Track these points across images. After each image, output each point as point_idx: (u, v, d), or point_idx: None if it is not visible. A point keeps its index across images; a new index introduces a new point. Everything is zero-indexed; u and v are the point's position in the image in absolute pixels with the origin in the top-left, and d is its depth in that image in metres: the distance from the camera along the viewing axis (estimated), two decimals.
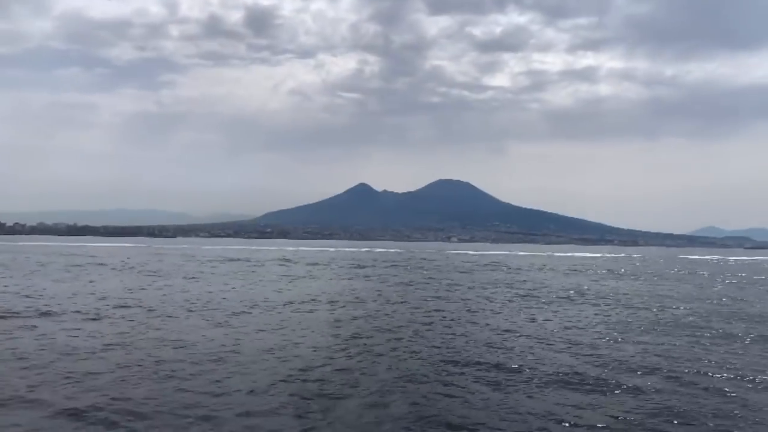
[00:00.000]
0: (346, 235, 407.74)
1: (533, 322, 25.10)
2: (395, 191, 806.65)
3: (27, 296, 31.32)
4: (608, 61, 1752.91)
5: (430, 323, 24.39)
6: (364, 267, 69.37)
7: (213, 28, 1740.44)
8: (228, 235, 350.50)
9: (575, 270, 71.24)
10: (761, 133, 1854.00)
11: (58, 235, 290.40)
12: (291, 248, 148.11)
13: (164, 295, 33.39)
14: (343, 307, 29.65)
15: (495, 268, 70.83)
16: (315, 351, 18.00)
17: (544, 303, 32.43)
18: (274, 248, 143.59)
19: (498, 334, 21.49)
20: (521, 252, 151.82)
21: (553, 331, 22.48)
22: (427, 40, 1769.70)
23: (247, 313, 26.34)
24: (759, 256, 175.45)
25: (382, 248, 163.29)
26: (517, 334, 21.63)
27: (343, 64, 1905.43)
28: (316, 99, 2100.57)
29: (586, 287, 44.15)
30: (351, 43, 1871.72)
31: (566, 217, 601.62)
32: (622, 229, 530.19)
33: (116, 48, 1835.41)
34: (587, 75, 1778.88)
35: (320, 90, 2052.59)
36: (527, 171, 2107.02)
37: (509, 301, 33.67)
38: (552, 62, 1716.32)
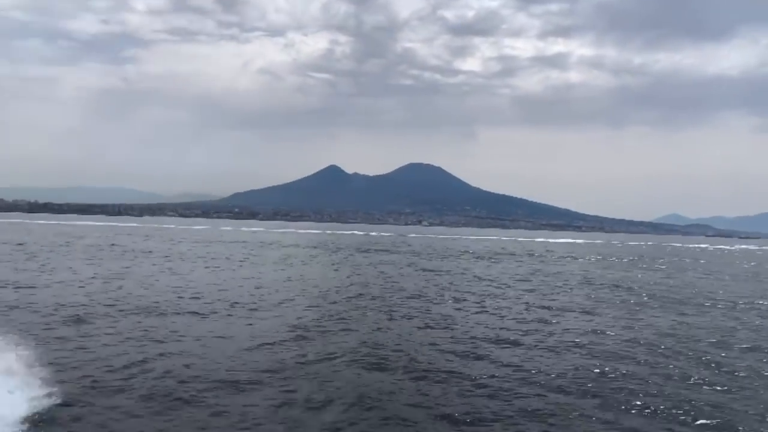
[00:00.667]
0: (318, 217, 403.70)
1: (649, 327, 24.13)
2: (366, 174, 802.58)
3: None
4: (578, 48, 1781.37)
5: (540, 331, 23.23)
6: (366, 251, 67.93)
7: (180, 2, 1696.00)
8: (197, 215, 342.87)
9: (586, 259, 71.29)
10: (723, 123, 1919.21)
11: (19, 212, 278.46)
12: (281, 230, 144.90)
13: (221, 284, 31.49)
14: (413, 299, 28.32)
15: (504, 257, 70.31)
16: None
17: (633, 304, 28.99)
18: (261, 230, 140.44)
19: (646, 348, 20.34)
20: (503, 237, 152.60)
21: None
22: (399, 21, 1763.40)
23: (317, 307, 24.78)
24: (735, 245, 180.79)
25: (362, 231, 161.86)
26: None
27: (314, 44, 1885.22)
28: (286, 78, 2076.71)
29: (637, 282, 43.31)
30: (322, 22, 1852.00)
31: (533, 203, 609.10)
32: (588, 215, 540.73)
33: (79, 21, 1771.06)
34: (557, 62, 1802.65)
35: (290, 69, 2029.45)
36: (496, 156, 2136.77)
37: (568, 294, 32.88)
38: (523, 48, 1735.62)
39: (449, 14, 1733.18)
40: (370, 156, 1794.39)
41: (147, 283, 29.12)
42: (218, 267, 39.84)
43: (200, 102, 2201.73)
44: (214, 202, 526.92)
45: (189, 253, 52.98)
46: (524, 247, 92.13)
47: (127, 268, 36.49)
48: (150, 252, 52.28)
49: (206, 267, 39.40)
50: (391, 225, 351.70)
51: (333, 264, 47.17)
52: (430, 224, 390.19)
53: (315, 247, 71.24)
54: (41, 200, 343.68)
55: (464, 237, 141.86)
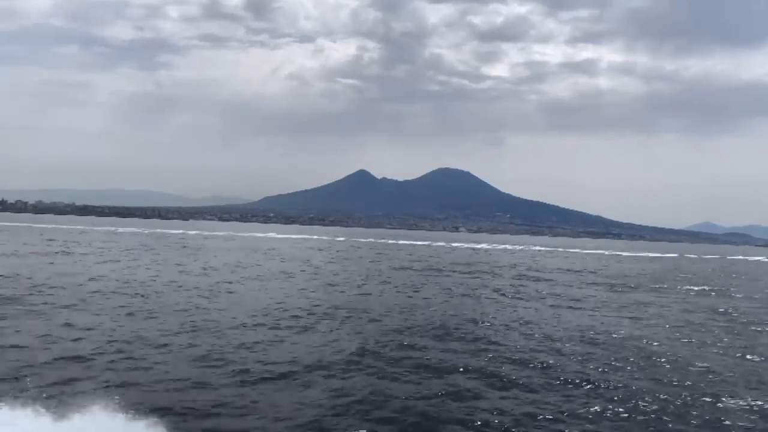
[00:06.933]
0: (352, 222, 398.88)
1: None
2: (395, 178, 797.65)
3: None
4: (608, 54, 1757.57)
5: None
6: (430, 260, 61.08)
7: (212, 9, 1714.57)
8: (235, 219, 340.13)
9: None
10: (757, 130, 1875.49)
11: (57, 214, 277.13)
12: (360, 238, 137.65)
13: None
14: None
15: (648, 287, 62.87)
16: None
17: None
18: (326, 238, 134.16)
19: None
20: (583, 250, 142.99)
21: None
22: (428, 28, 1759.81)
23: None
24: None
25: (411, 240, 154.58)
26: None
27: (343, 50, 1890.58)
28: (315, 84, 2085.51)
29: None
30: (351, 29, 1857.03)
31: (566, 209, 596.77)
32: (623, 223, 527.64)
33: (115, 27, 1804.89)
34: (586, 68, 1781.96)
35: (319, 75, 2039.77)
36: (524, 161, 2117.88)
37: None
38: (552, 54, 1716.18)
39: (478, 20, 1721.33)
40: (398, 161, 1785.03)
41: None
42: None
43: (229, 106, 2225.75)
44: (246, 206, 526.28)
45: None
46: (633, 267, 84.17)
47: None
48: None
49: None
50: (427, 231, 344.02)
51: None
52: (468, 231, 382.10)
53: (405, 261, 64.47)
54: (77, 202, 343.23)
55: (532, 248, 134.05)
